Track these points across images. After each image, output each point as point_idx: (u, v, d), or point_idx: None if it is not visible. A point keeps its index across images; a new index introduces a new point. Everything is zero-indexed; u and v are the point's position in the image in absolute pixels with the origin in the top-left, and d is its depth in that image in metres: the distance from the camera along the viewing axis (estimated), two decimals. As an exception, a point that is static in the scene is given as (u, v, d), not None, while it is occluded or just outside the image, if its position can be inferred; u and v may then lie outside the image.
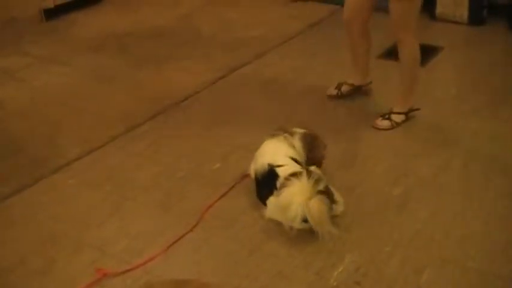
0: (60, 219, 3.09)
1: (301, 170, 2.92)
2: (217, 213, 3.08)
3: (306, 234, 2.84)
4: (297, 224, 2.79)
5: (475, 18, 5.26)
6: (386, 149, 3.61)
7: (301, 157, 3.12)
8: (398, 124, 3.80)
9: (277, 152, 3.09)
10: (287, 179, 2.85)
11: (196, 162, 3.51)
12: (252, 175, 3.16)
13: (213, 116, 4.06)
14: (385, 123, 3.79)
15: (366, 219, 2.99)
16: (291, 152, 3.11)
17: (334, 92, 4.22)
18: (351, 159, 3.49)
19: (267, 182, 2.99)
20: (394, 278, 2.62)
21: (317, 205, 2.74)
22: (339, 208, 2.95)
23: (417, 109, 3.84)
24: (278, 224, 2.92)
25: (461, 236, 2.87)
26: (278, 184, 2.91)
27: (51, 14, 5.61)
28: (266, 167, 3.03)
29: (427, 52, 4.84)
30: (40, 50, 5.10)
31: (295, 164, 3.02)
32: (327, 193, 2.82)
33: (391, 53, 4.82)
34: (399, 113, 3.81)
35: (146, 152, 3.67)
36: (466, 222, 2.96)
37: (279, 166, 2.98)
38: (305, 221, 2.76)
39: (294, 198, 2.77)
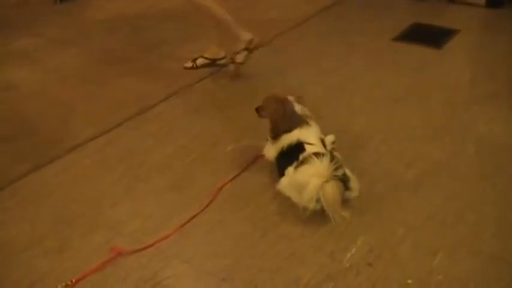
0: (74, 199, 3.11)
1: (326, 152, 2.95)
2: (230, 194, 3.09)
3: (319, 216, 2.84)
4: (309, 204, 2.82)
5: (493, 1, 5.19)
6: (399, 133, 3.60)
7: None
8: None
9: (310, 133, 3.10)
10: (310, 156, 2.87)
11: (209, 144, 3.53)
12: (273, 153, 3.18)
13: (227, 97, 4.07)
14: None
15: (378, 202, 2.99)
16: (319, 134, 3.14)
17: (190, 64, 4.47)
18: (364, 142, 3.49)
19: (291, 153, 3.01)
20: (406, 260, 2.63)
21: (331, 189, 2.76)
22: (353, 194, 2.96)
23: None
24: (291, 205, 2.93)
25: (474, 220, 2.86)
26: (301, 157, 2.93)
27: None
28: (295, 141, 3.04)
29: (443, 35, 4.80)
30: (54, 31, 5.11)
31: (322, 147, 3.05)
32: (342, 179, 2.83)
33: (406, 36, 4.80)
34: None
35: (159, 133, 3.68)
36: (478, 207, 2.96)
37: (308, 143, 3.01)
38: (318, 201, 2.78)
39: (311, 179, 2.79)
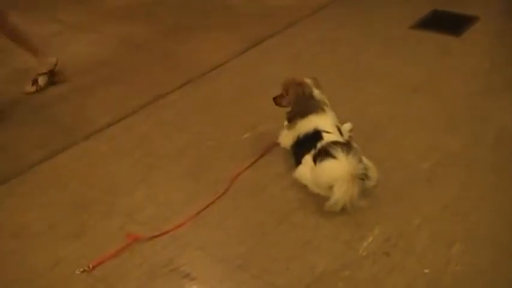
0: (90, 186, 3.12)
1: (344, 141, 2.94)
2: (246, 182, 3.09)
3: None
4: (325, 192, 2.82)
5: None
6: (415, 122, 3.57)
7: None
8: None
9: (326, 120, 3.08)
10: (330, 145, 2.84)
11: (224, 132, 3.52)
12: (288, 141, 3.17)
13: (242, 85, 4.05)
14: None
15: (395, 192, 2.97)
16: (336, 121, 3.12)
17: (33, 88, 4.09)
18: (381, 131, 3.46)
19: (308, 142, 2.99)
20: (423, 250, 2.61)
21: (352, 188, 2.73)
22: (371, 183, 2.93)
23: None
24: (307, 194, 2.93)
25: (491, 211, 2.84)
26: (319, 145, 2.91)
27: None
28: (312, 129, 3.03)
29: (462, 22, 4.73)
30: (72, 17, 5.12)
31: (339, 135, 3.04)
32: (364, 176, 2.81)
33: (424, 24, 4.75)
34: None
35: (175, 120, 3.68)
36: (496, 198, 2.93)
37: (326, 131, 2.99)
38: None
39: (336, 173, 2.76)
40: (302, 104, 3.12)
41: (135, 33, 4.87)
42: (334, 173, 2.77)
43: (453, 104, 3.76)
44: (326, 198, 2.80)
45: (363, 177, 2.79)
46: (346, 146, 2.83)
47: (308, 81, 3.17)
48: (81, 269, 2.55)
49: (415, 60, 4.24)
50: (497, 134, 3.43)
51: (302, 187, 2.99)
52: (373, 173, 2.93)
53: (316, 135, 2.99)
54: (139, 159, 3.32)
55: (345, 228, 2.76)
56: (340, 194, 2.74)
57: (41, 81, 4.04)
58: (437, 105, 3.75)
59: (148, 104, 3.83)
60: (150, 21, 5.05)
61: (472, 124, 3.53)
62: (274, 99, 3.24)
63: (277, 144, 3.30)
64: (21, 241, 2.76)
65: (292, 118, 3.15)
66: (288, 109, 3.20)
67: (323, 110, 3.10)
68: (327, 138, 2.94)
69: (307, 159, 2.94)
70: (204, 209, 2.88)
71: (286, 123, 3.23)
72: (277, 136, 3.30)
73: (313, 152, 2.92)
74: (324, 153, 2.83)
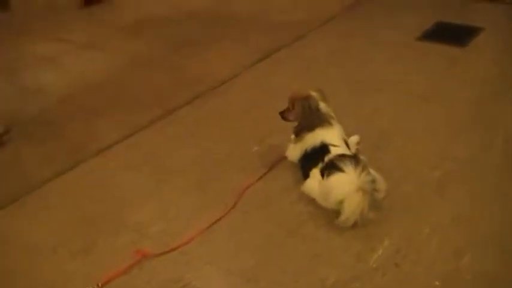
0: (99, 202, 3.12)
1: (351, 154, 2.94)
2: (255, 195, 3.08)
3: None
4: (333, 206, 2.81)
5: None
6: (421, 132, 3.56)
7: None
8: None
9: (333, 133, 3.07)
10: (337, 158, 2.83)
11: (233, 145, 3.52)
12: (295, 155, 3.17)
13: (251, 98, 4.06)
14: None
15: (404, 203, 2.95)
16: (343, 134, 3.12)
17: None
18: (388, 142, 3.45)
19: (315, 155, 2.99)
20: (433, 260, 2.59)
21: (362, 203, 2.72)
22: (380, 195, 2.92)
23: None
24: (316, 206, 2.92)
25: (501, 219, 2.82)
26: (326, 159, 2.91)
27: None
28: (319, 143, 3.02)
29: (467, 33, 4.73)
30: (78, 36, 5.15)
31: (346, 148, 3.03)
32: (373, 189, 2.80)
33: (429, 35, 4.75)
34: None
35: (183, 135, 3.68)
36: (506, 206, 2.91)
37: (333, 145, 2.98)
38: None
39: (345, 187, 2.74)
40: (308, 118, 3.11)
41: (143, 49, 4.89)
42: (342, 187, 2.76)
43: (460, 112, 3.75)
44: (335, 211, 2.79)
45: (372, 190, 2.78)
46: (354, 159, 2.82)
47: (314, 94, 3.17)
48: (92, 287, 2.53)
49: (422, 71, 4.24)
50: (505, 140, 3.41)
51: (311, 200, 2.98)
52: (382, 185, 2.92)
53: (324, 148, 2.99)
54: (148, 174, 3.32)
55: (355, 240, 2.74)
56: (350, 210, 2.73)
57: None
58: (445, 113, 3.75)
59: (157, 119, 3.84)
60: (158, 37, 5.07)
61: (479, 131, 3.52)
62: (281, 113, 3.24)
63: (285, 158, 3.29)
64: (31, 258, 2.76)
65: (299, 132, 3.15)
66: (295, 123, 3.20)
67: (329, 124, 3.10)
68: (334, 151, 2.94)
69: (315, 172, 2.94)
70: (214, 223, 2.87)
71: (293, 137, 3.23)
72: (285, 149, 3.30)
73: (320, 165, 2.91)
74: (331, 167, 2.82)
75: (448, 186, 3.08)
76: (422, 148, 3.39)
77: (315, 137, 3.06)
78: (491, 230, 2.77)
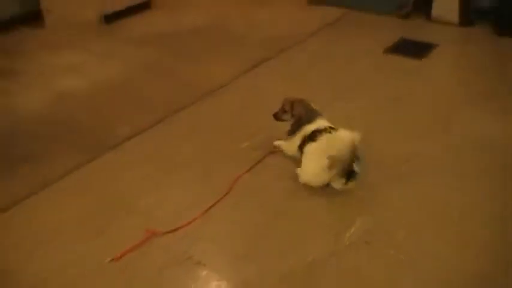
0: (115, 189, 3.09)
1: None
2: (246, 184, 3.06)
3: (325, 201, 2.87)
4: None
5: (465, 21, 5.15)
6: (390, 129, 3.56)
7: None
8: None
9: (326, 122, 3.11)
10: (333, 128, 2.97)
11: (228, 141, 3.49)
12: (294, 146, 3.14)
13: (243, 102, 4.04)
14: None
15: (374, 188, 2.95)
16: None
17: None
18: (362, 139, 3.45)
19: (316, 133, 3.00)
20: (397, 237, 2.61)
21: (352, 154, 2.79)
22: (358, 169, 2.89)
23: None
24: (300, 194, 2.94)
25: (459, 202, 2.87)
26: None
27: (110, 18, 5.67)
28: (322, 126, 3.04)
29: (424, 48, 4.79)
30: (99, 47, 5.12)
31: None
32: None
33: (394, 49, 4.78)
34: None
35: (186, 132, 3.65)
36: (458, 192, 2.95)
37: (331, 127, 3.03)
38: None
39: (347, 137, 2.82)
40: (308, 114, 3.11)
41: (151, 58, 4.86)
42: (346, 137, 2.81)
43: (420, 113, 3.76)
44: (316, 193, 2.79)
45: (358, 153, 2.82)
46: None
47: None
48: (110, 258, 2.54)
49: (388, 78, 4.25)
50: (460, 141, 3.42)
51: (297, 188, 2.99)
52: (362, 162, 2.92)
53: (324, 129, 3.00)
54: (155, 166, 3.29)
55: (332, 221, 2.75)
56: (344, 155, 2.78)
57: None
58: (408, 114, 3.75)
59: (163, 119, 3.81)
60: (165, 49, 5.04)
61: (440, 133, 3.53)
62: (275, 114, 3.21)
63: (273, 153, 3.29)
64: (56, 236, 2.74)
65: (298, 127, 3.12)
66: (289, 122, 3.19)
67: (322, 116, 3.13)
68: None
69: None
70: (211, 207, 2.86)
71: (287, 136, 3.20)
72: (271, 145, 3.32)
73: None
74: (332, 130, 2.94)
75: (413, 176, 3.08)
76: (389, 144, 3.39)
77: (315, 124, 3.06)
78: (449, 214, 2.79)
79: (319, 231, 2.69)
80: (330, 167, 2.81)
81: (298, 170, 3.03)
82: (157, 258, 2.56)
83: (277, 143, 3.32)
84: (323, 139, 2.94)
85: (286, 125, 3.21)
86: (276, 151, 3.31)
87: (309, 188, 2.96)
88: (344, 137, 2.83)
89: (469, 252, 2.53)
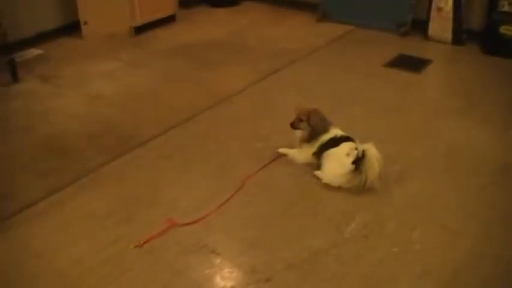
0: (141, 182, 3.09)
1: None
2: (259, 181, 3.03)
3: (329, 198, 2.83)
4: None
5: (457, 40, 5.11)
6: (387, 136, 3.51)
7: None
8: None
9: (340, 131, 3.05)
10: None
11: (243, 142, 3.47)
12: (308, 153, 3.07)
13: (257, 106, 4.01)
14: None
15: (370, 189, 2.89)
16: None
17: None
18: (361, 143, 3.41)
19: (332, 142, 2.96)
20: (392, 233, 2.58)
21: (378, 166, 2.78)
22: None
23: None
24: (307, 190, 2.90)
25: (444, 202, 2.82)
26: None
27: (139, 30, 5.68)
28: (335, 135, 3.00)
29: (421, 63, 4.73)
30: (129, 57, 5.11)
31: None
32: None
33: (393, 63, 4.73)
34: None
35: (205, 133, 3.63)
36: (447, 191, 2.91)
37: (347, 137, 3.00)
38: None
39: (372, 151, 2.78)
40: (323, 124, 3.04)
41: (175, 67, 4.84)
42: (371, 151, 2.77)
43: (414, 122, 3.71)
44: (321, 191, 2.75)
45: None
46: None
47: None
48: (134, 245, 2.53)
49: (387, 90, 4.21)
50: (446, 146, 3.39)
51: (304, 185, 2.96)
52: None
53: (340, 138, 2.95)
54: (177, 163, 3.28)
55: (334, 215, 2.72)
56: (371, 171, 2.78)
57: None
58: (404, 123, 3.70)
59: (186, 121, 3.79)
60: (187, 58, 5.02)
61: (427, 138, 3.48)
62: (292, 124, 3.09)
63: (283, 156, 3.24)
64: (88, 224, 2.74)
65: (315, 136, 3.04)
66: (304, 131, 3.08)
67: (334, 126, 3.07)
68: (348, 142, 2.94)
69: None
70: (226, 201, 2.84)
71: (302, 143, 3.11)
72: (281, 146, 3.27)
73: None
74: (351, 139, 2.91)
75: (405, 177, 3.05)
76: (386, 148, 3.34)
77: (331, 133, 3.01)
78: (438, 211, 2.75)
79: (323, 224, 2.66)
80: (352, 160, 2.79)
81: (318, 173, 2.98)
82: (176, 245, 2.55)
83: (282, 150, 3.25)
84: (346, 145, 2.89)
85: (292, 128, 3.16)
86: (280, 157, 3.24)
87: (315, 185, 2.94)
88: (369, 148, 2.78)
89: (453, 245, 2.48)
